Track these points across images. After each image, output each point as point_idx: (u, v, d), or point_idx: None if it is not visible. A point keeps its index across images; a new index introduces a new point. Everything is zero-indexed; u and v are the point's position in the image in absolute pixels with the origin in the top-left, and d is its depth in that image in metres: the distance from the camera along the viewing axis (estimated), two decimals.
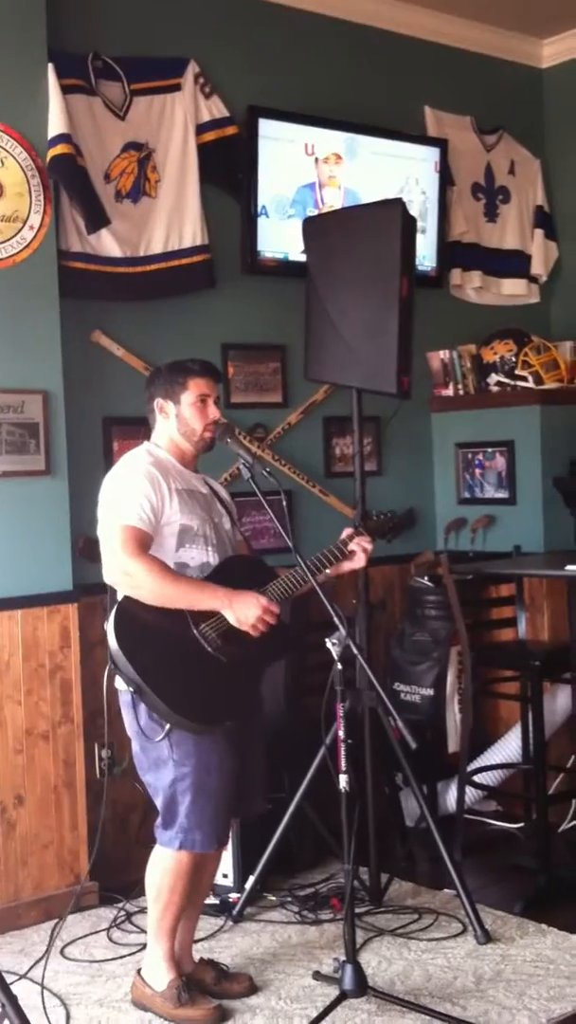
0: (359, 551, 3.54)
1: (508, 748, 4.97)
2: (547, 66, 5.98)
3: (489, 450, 5.36)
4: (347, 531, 3.60)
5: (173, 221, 4.60)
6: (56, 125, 4.19)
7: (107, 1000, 3.51)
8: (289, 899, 4.18)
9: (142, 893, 3.48)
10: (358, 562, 3.57)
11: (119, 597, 3.23)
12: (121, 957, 3.79)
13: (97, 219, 4.34)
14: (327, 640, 3.20)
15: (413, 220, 4.32)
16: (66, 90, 4.25)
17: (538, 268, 5.88)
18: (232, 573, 3.32)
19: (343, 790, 3.24)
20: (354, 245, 4.25)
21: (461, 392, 5.48)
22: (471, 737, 4.60)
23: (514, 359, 5.37)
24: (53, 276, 4.23)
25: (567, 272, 5.96)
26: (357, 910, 3.93)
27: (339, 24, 5.21)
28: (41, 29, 4.20)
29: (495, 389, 5.42)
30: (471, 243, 5.68)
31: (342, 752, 3.25)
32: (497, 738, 5.10)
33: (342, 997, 3.24)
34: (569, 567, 4.04)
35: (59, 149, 4.18)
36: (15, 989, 2.70)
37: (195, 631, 3.19)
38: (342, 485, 5.04)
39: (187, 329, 4.69)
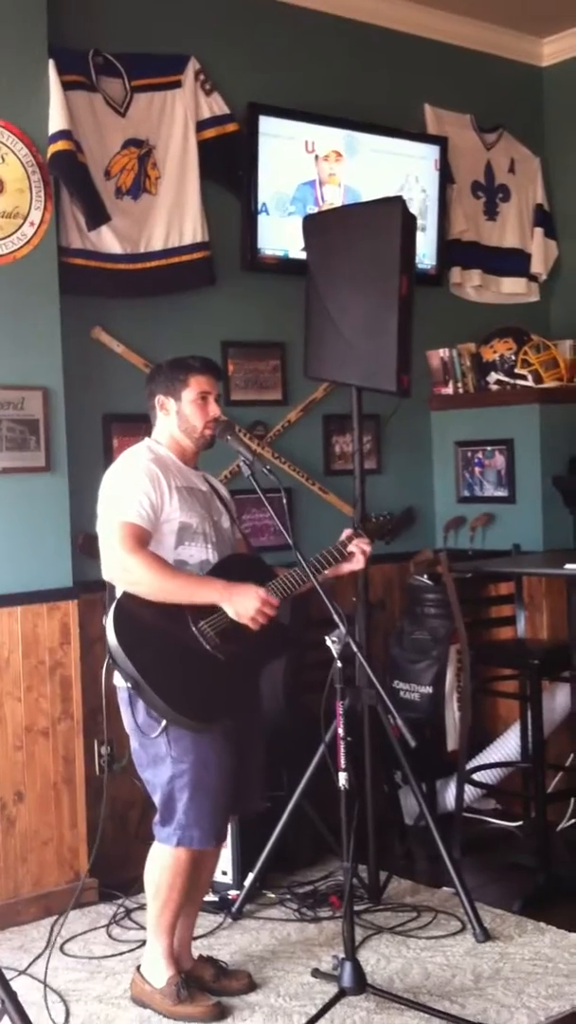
0: (358, 553, 3.54)
1: (507, 746, 4.98)
2: (547, 64, 5.98)
3: (488, 448, 5.36)
4: (346, 532, 3.59)
5: (173, 218, 4.60)
6: (57, 121, 4.18)
7: (106, 997, 3.51)
8: (288, 896, 4.18)
9: (141, 890, 3.48)
10: (357, 564, 3.57)
11: (118, 593, 3.23)
12: (120, 954, 3.80)
13: (97, 216, 4.33)
14: (327, 638, 3.20)
15: (413, 218, 4.32)
16: (67, 86, 4.25)
17: (538, 267, 5.89)
18: (231, 571, 3.31)
19: (342, 788, 3.24)
20: (354, 243, 4.25)
21: (461, 390, 5.48)
22: (470, 735, 4.61)
23: (513, 357, 5.37)
24: (53, 272, 4.23)
25: (567, 271, 5.96)
26: (356, 908, 3.93)
27: (340, 22, 5.21)
28: (42, 25, 4.19)
29: (495, 388, 5.42)
30: (471, 241, 5.68)
31: (341, 750, 3.25)
32: (496, 736, 5.10)
33: (341, 995, 3.25)
34: (568, 566, 4.04)
35: (60, 145, 4.17)
36: (15, 985, 2.70)
37: (194, 628, 3.19)
38: (342, 483, 5.04)
39: (187, 326, 4.69)
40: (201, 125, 4.68)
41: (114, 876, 4.20)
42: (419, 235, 4.65)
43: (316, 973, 3.56)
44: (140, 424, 3.68)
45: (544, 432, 5.18)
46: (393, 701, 3.69)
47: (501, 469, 5.32)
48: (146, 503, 3.24)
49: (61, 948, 3.83)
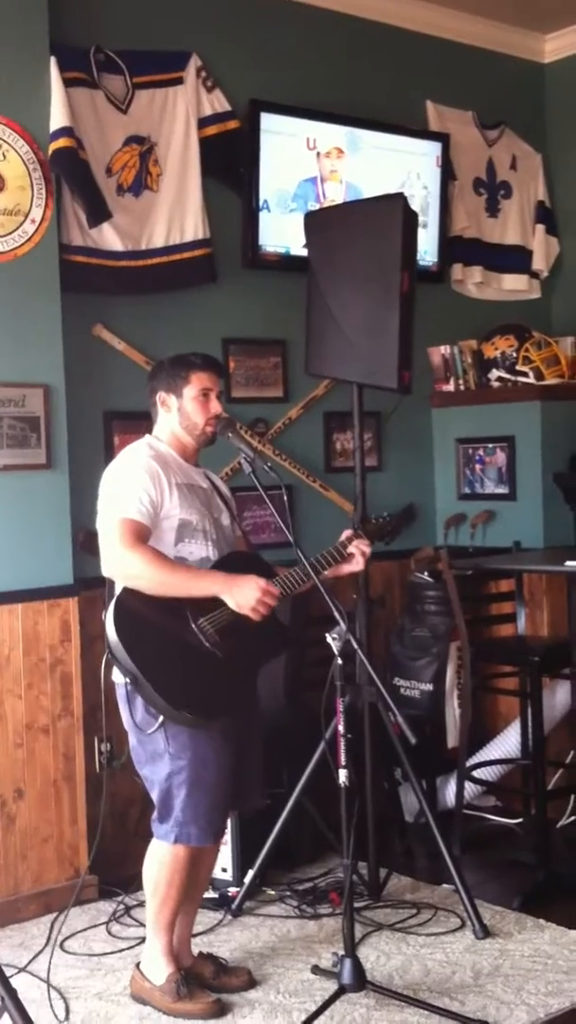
0: (358, 554, 3.54)
1: (507, 743, 4.98)
2: (549, 61, 5.97)
3: (489, 446, 5.36)
4: (346, 533, 3.59)
5: (174, 215, 4.60)
6: (58, 118, 4.18)
7: (106, 994, 3.51)
8: (288, 893, 4.19)
9: (141, 887, 3.48)
10: (356, 565, 3.56)
11: (117, 590, 3.23)
12: (120, 951, 3.80)
13: (99, 213, 4.33)
14: (327, 635, 3.20)
15: (414, 215, 4.31)
16: (68, 83, 4.24)
17: (539, 263, 5.88)
18: (231, 569, 3.31)
19: (342, 785, 3.24)
20: (355, 240, 4.25)
21: (462, 387, 5.48)
22: (470, 732, 4.61)
23: (515, 354, 5.37)
24: (54, 270, 4.22)
25: (568, 267, 5.95)
26: (356, 905, 3.93)
27: (341, 18, 5.21)
28: (43, 22, 4.19)
29: (496, 384, 5.42)
30: (472, 238, 5.68)
31: (342, 747, 3.25)
32: (496, 733, 5.11)
33: (341, 991, 3.25)
34: (569, 563, 4.04)
35: (61, 142, 4.17)
36: (15, 983, 2.70)
37: (193, 625, 3.19)
38: (342, 480, 5.05)
39: (188, 323, 4.69)
40: (202, 122, 4.68)
41: (114, 873, 4.20)
42: (420, 232, 4.65)
43: (316, 970, 3.56)
44: (141, 421, 3.68)
45: (545, 429, 5.18)
46: (393, 698, 3.69)
47: (502, 466, 5.31)
48: (146, 499, 3.24)
49: (61, 945, 3.83)
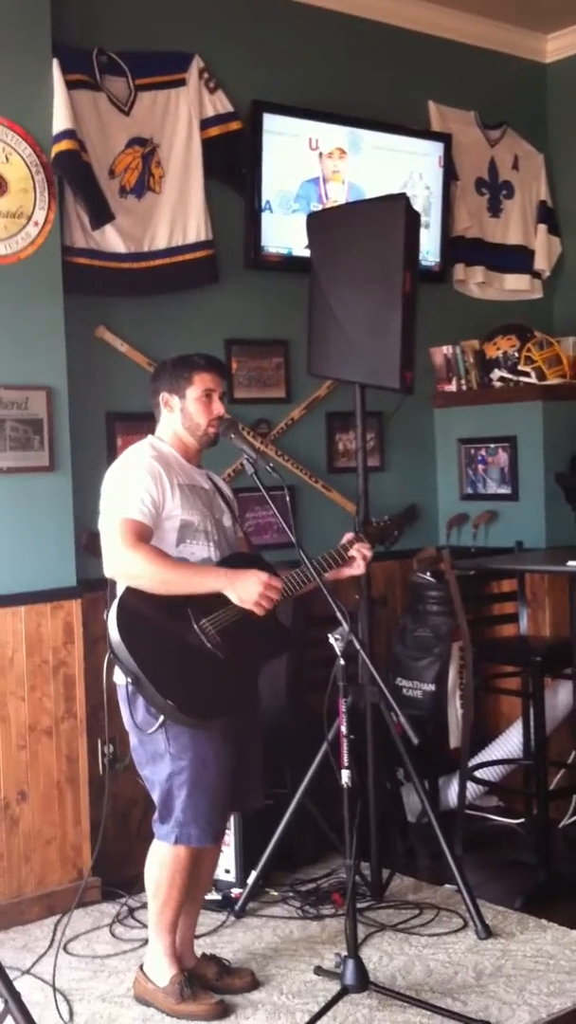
0: (359, 558, 3.55)
1: (509, 744, 4.98)
2: (551, 61, 5.97)
3: (491, 446, 5.36)
4: (348, 536, 3.60)
5: (177, 216, 4.60)
6: (61, 121, 4.18)
7: (110, 995, 3.52)
8: (291, 894, 4.19)
9: (144, 888, 3.49)
10: (357, 569, 3.57)
11: (119, 590, 3.23)
12: (123, 953, 3.81)
13: (101, 215, 4.34)
14: (330, 636, 3.20)
15: (417, 215, 4.31)
16: (71, 85, 4.25)
17: (541, 263, 5.88)
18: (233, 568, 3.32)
19: (345, 785, 3.24)
20: (358, 240, 4.25)
21: (464, 388, 5.48)
22: (472, 733, 4.61)
23: (517, 355, 5.37)
24: (57, 272, 4.23)
25: (570, 267, 5.95)
26: (358, 905, 3.92)
27: (343, 19, 5.21)
28: (46, 24, 4.19)
29: (498, 385, 5.42)
30: (474, 238, 5.68)
31: (344, 747, 3.26)
32: (498, 734, 5.11)
33: (343, 992, 3.25)
34: (571, 563, 4.04)
35: (64, 145, 4.18)
36: (18, 985, 2.71)
37: (195, 626, 3.20)
38: (345, 480, 5.05)
39: (190, 324, 4.69)
40: (205, 123, 4.68)
41: (117, 875, 4.21)
42: (423, 232, 4.66)
43: (319, 971, 3.57)
44: (144, 423, 3.68)
45: (547, 429, 5.18)
46: (395, 698, 3.70)
47: (504, 466, 5.32)
48: (148, 500, 3.24)
49: (64, 947, 3.84)
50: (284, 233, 4.91)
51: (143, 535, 3.21)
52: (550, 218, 5.92)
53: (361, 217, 4.38)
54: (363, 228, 4.27)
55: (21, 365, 4.12)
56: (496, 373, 5.42)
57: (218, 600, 3.23)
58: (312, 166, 5.02)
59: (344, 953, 3.28)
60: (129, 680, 3.17)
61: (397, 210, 4.20)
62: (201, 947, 3.68)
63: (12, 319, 4.11)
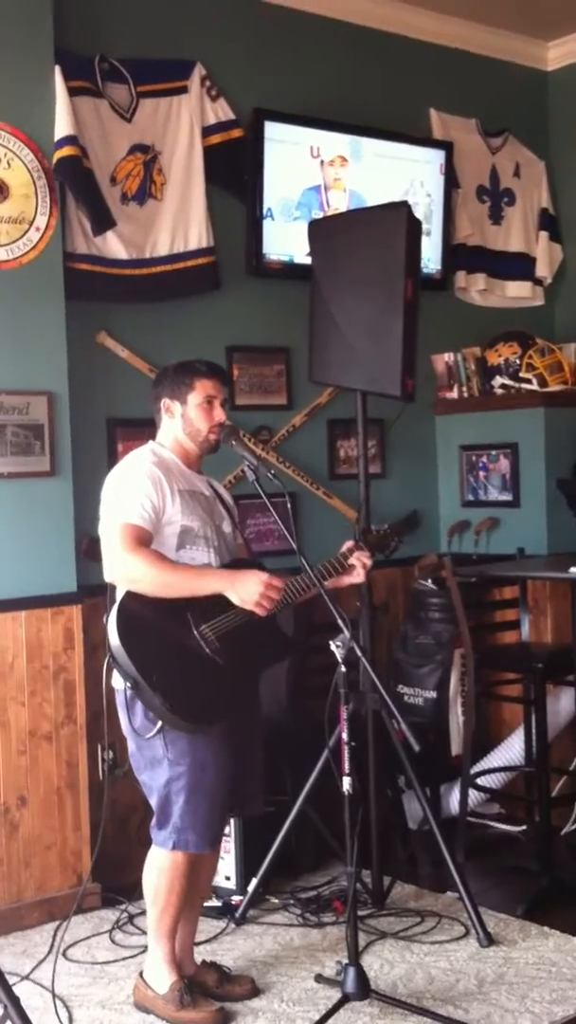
0: (359, 566, 3.54)
1: (511, 751, 4.97)
2: (552, 69, 5.98)
3: (493, 452, 5.36)
4: (348, 544, 3.59)
5: (178, 223, 4.61)
6: (63, 127, 4.19)
7: (109, 1002, 3.51)
8: (292, 902, 4.18)
9: (143, 895, 3.48)
10: (357, 577, 3.57)
11: (119, 595, 3.22)
12: (123, 959, 3.80)
13: (103, 221, 4.34)
14: (331, 642, 3.20)
15: (418, 223, 4.32)
16: (73, 92, 4.25)
17: (543, 271, 5.89)
18: None
19: (346, 792, 3.24)
20: (359, 248, 4.26)
21: (465, 395, 5.48)
22: (474, 740, 4.60)
23: (518, 362, 5.37)
24: (59, 278, 4.23)
25: (571, 275, 5.96)
26: (359, 913, 3.91)
27: (345, 27, 5.22)
28: (48, 31, 4.20)
29: (499, 392, 5.42)
30: (476, 246, 5.69)
31: (345, 754, 3.25)
32: (500, 741, 5.10)
33: (344, 1000, 3.25)
34: (572, 569, 4.04)
35: (65, 151, 4.18)
36: (17, 991, 2.70)
37: (195, 631, 3.20)
38: (346, 487, 5.05)
39: (192, 331, 4.70)
40: (207, 131, 4.69)
41: (117, 881, 4.20)
42: (424, 239, 4.66)
43: (320, 978, 3.56)
44: (144, 429, 3.68)
45: (549, 436, 5.18)
46: (397, 705, 3.70)
47: (506, 473, 5.32)
48: (148, 505, 3.24)
49: (64, 953, 3.83)
50: (285, 240, 4.91)
51: (143, 539, 3.21)
52: (551, 225, 5.92)
53: (362, 225, 4.38)
54: (364, 236, 4.28)
55: (22, 370, 4.13)
56: (498, 380, 5.43)
57: (218, 605, 3.23)
58: (313, 174, 5.02)
59: (345, 961, 3.28)
60: (128, 685, 3.16)
61: (398, 218, 4.20)
62: (201, 954, 3.67)
63: (13, 324, 4.11)
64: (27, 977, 3.64)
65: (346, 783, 3.24)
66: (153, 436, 3.51)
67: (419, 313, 4.25)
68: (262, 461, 3.43)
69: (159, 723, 3.18)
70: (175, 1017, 3.34)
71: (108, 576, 3.26)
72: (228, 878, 4.16)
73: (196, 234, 4.63)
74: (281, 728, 4.31)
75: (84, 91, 4.35)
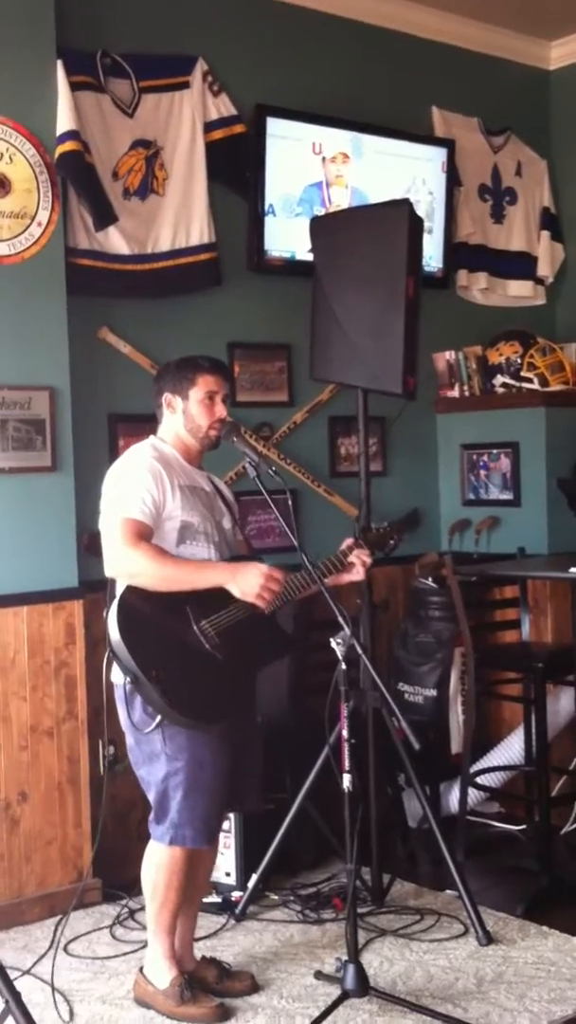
0: (358, 564, 3.54)
1: (511, 750, 4.97)
2: (555, 68, 5.98)
3: (494, 451, 5.36)
4: (347, 542, 3.59)
5: (180, 219, 4.60)
6: (65, 122, 4.19)
7: (110, 997, 3.51)
8: (291, 898, 4.18)
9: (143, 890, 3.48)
10: (356, 575, 3.56)
11: (119, 589, 3.22)
12: (124, 954, 3.80)
13: (105, 216, 4.34)
14: (332, 640, 3.20)
15: (420, 221, 4.32)
16: (75, 87, 4.25)
17: (544, 270, 5.88)
18: None
19: (346, 790, 3.24)
20: (361, 245, 4.26)
21: (466, 393, 5.48)
22: (474, 738, 4.60)
23: (519, 361, 5.37)
24: (60, 273, 4.23)
25: (573, 274, 5.96)
26: (359, 910, 3.91)
27: (348, 24, 5.22)
28: (50, 26, 4.20)
29: (500, 390, 5.42)
30: (477, 244, 5.69)
31: (345, 752, 3.25)
32: (500, 740, 5.10)
33: (344, 997, 3.24)
34: (573, 569, 4.04)
35: (67, 146, 4.18)
36: (19, 985, 2.70)
37: (195, 627, 3.19)
38: (347, 485, 5.05)
39: (193, 327, 4.69)
40: (209, 126, 4.69)
41: (117, 876, 4.19)
42: (426, 237, 4.66)
43: (319, 975, 3.56)
44: (146, 424, 3.68)
45: (549, 435, 5.18)
46: (397, 704, 3.70)
47: (506, 472, 5.31)
48: (148, 500, 3.24)
49: (64, 948, 3.83)
50: (287, 237, 4.91)
51: (143, 534, 3.21)
52: (553, 224, 5.92)
53: (364, 222, 4.39)
54: (366, 233, 4.28)
55: (24, 365, 4.13)
56: (499, 379, 5.42)
57: (219, 601, 3.23)
58: (315, 170, 5.02)
59: (344, 958, 3.27)
60: (127, 679, 3.16)
61: (400, 215, 4.20)
62: (201, 950, 3.67)
63: (15, 319, 4.11)
64: (28, 972, 3.63)
65: (346, 780, 3.24)
66: (154, 431, 3.51)
67: (420, 311, 4.25)
68: (263, 458, 3.43)
69: (158, 718, 3.18)
70: (175, 1012, 3.34)
71: (108, 571, 3.26)
72: (228, 874, 4.16)
73: (198, 230, 4.63)
74: (281, 725, 4.31)
75: (86, 86, 4.34)
